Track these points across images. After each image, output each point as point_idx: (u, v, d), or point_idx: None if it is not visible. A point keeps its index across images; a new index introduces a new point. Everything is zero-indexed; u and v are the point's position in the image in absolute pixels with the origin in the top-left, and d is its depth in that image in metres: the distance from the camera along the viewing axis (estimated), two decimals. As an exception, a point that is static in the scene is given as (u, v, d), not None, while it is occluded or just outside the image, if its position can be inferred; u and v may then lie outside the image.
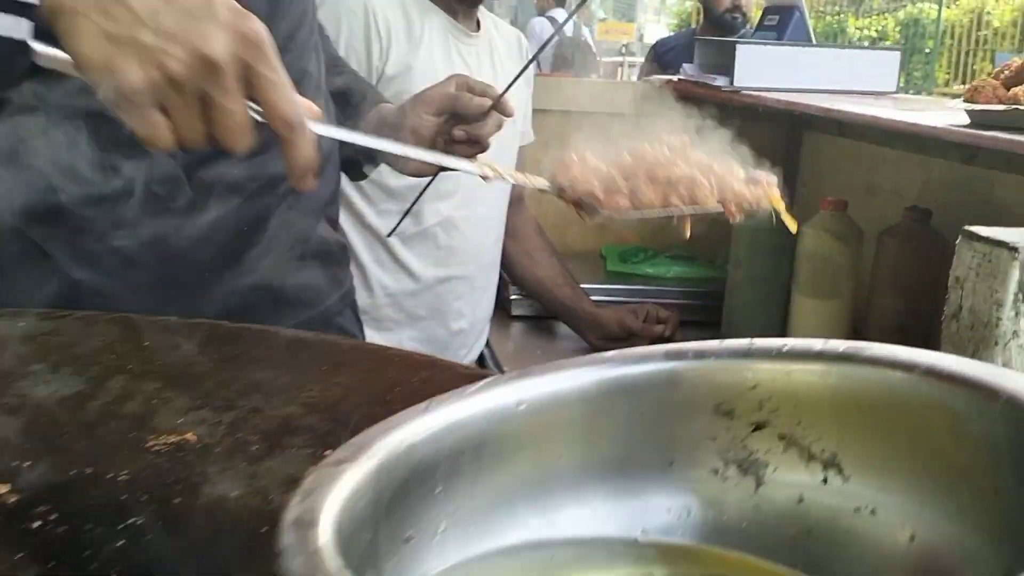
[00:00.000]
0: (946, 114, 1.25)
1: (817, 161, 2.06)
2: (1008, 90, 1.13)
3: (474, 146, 1.12)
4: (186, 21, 0.58)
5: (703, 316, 1.87)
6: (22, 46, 0.59)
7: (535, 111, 1.94)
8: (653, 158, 0.71)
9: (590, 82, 2.89)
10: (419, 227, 1.55)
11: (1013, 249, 0.73)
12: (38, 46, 0.60)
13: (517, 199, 1.78)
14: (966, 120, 1.17)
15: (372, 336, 1.46)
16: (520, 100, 1.71)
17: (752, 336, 0.48)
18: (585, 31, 7.73)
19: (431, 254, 1.57)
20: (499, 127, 1.13)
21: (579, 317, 1.75)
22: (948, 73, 12.07)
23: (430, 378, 0.77)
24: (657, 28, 14.97)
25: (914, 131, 1.19)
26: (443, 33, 1.55)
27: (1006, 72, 1.16)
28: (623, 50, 11.11)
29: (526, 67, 1.29)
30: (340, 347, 0.87)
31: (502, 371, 1.60)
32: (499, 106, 1.11)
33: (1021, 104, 1.09)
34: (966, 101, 1.16)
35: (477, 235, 1.62)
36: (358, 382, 0.78)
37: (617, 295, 1.89)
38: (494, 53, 1.66)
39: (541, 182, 0.72)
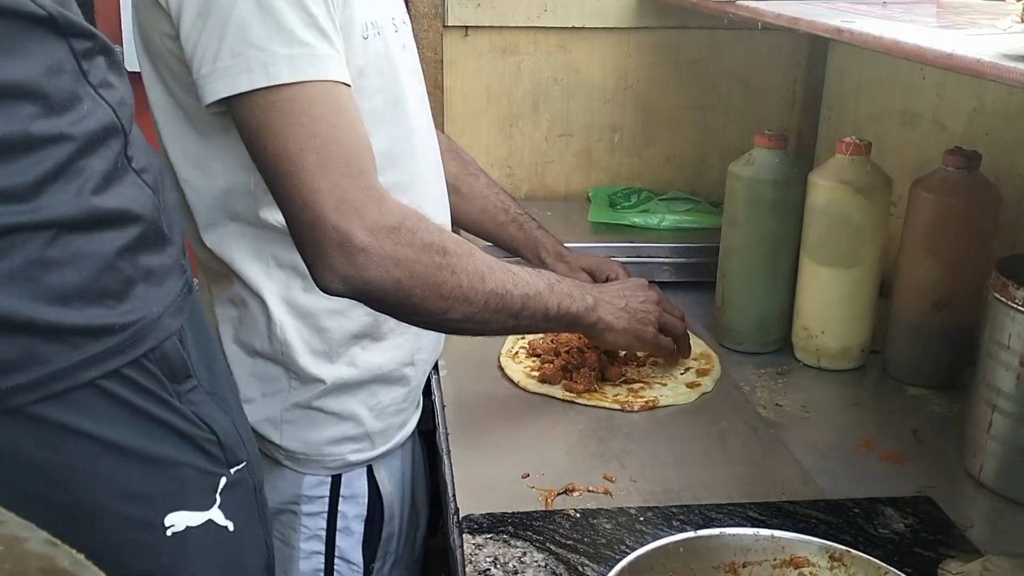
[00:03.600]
0: (995, 33, 0.89)
1: (845, 80, 1.68)
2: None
3: None
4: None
5: (700, 276, 1.55)
6: None
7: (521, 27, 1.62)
8: None
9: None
10: None
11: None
12: None
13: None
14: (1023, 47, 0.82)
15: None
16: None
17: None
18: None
19: None
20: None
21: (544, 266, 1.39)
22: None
23: None
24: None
25: (948, 63, 0.84)
26: None
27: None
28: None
29: None
30: None
31: (437, 372, 1.29)
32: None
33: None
34: None
35: (426, 200, 1.12)
36: None
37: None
38: None
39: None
